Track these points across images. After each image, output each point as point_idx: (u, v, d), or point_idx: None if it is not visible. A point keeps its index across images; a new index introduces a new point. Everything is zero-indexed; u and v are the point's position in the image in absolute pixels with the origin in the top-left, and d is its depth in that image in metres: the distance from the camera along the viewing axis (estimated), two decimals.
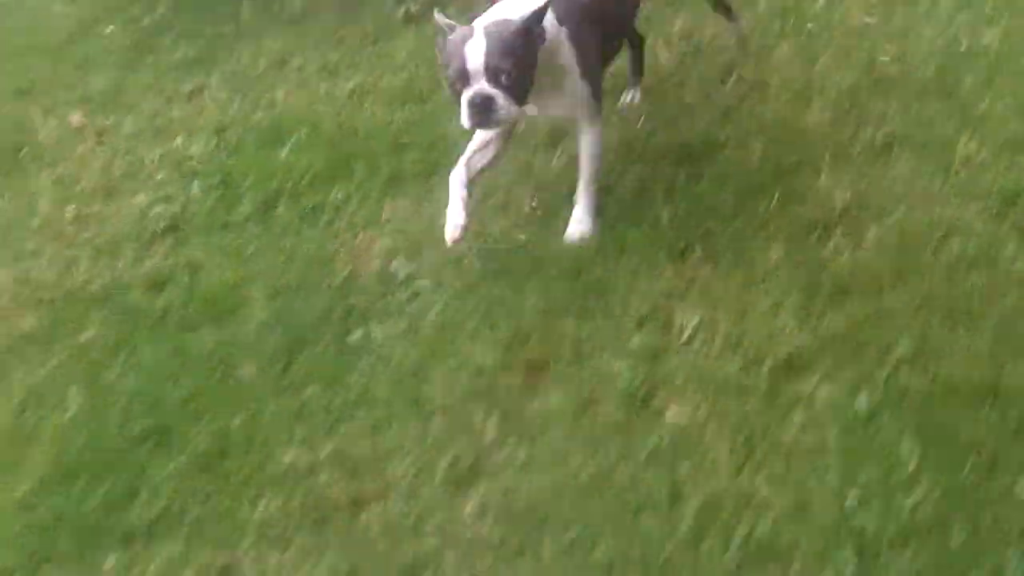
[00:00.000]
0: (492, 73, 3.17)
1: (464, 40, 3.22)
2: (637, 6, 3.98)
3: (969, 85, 3.80)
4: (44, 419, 3.34)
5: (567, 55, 3.42)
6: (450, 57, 3.25)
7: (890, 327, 2.93)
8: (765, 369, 2.89)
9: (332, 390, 3.20)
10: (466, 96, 3.21)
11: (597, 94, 3.58)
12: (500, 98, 3.20)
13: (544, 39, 3.29)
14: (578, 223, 3.53)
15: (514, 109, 3.25)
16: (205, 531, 2.85)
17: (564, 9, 3.41)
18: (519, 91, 3.25)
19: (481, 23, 3.29)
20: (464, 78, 3.21)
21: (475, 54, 3.18)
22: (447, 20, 3.34)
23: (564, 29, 3.38)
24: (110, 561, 2.85)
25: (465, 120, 3.25)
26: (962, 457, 2.53)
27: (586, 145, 3.56)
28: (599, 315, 3.24)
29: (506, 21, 3.27)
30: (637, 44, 4.22)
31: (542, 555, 2.55)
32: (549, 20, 3.30)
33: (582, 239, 3.49)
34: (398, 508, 2.79)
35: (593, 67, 3.58)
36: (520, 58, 3.22)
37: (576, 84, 3.48)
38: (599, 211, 3.52)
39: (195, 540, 2.82)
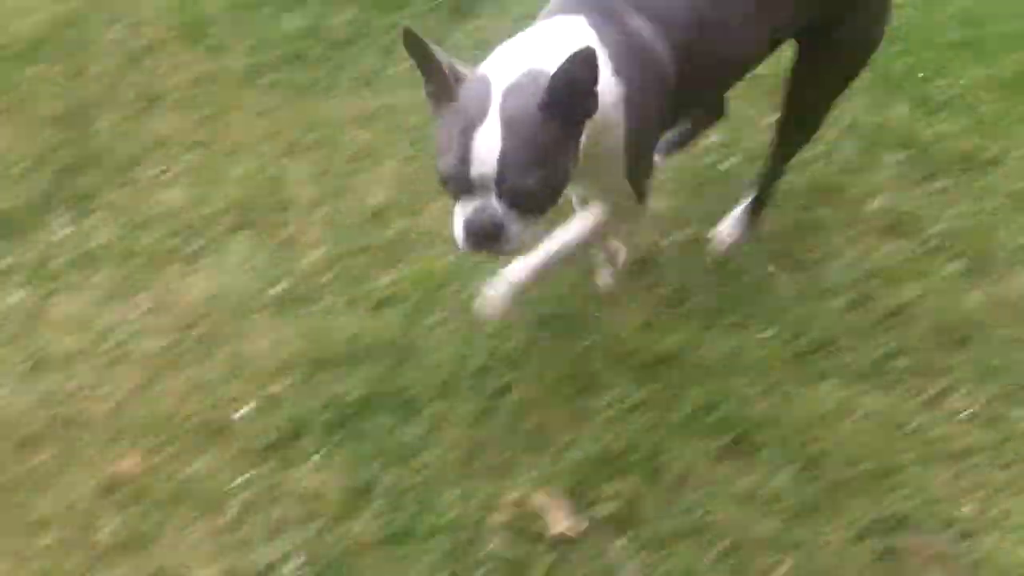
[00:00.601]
0: (509, 190, 2.06)
1: (472, 116, 2.05)
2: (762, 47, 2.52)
3: None
4: None
5: (616, 127, 2.23)
6: (445, 139, 2.09)
7: None
8: None
9: None
10: (464, 211, 2.11)
11: (646, 182, 2.44)
12: (515, 225, 2.10)
13: (595, 108, 2.10)
14: (492, 287, 2.47)
15: (532, 235, 2.18)
16: None
17: (626, 49, 2.21)
18: (545, 207, 2.14)
19: (499, 76, 2.09)
20: (463, 184, 2.09)
21: (485, 151, 2.04)
22: (453, 62, 2.12)
23: (621, 85, 2.20)
24: None
25: (459, 242, 2.15)
26: None
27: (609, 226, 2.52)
28: None
29: (538, 80, 2.05)
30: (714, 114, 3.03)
31: None
32: (602, 72, 2.07)
33: (484, 311, 2.49)
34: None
35: (649, 148, 2.44)
36: (555, 159, 2.10)
37: (618, 169, 2.33)
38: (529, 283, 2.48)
39: None
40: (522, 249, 2.23)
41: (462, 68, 2.12)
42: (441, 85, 2.10)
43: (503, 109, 2.04)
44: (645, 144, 2.39)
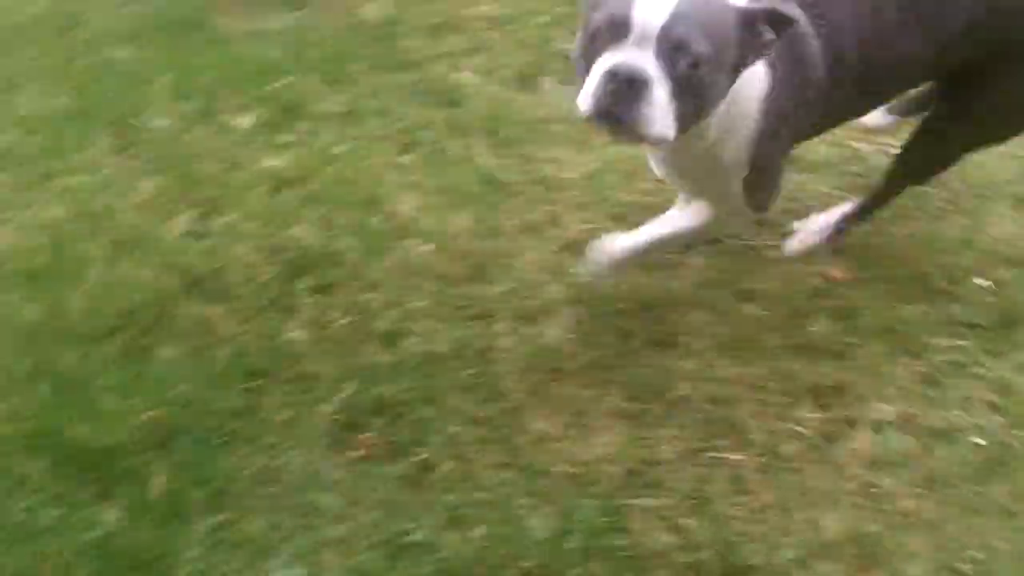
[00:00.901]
0: (675, 44, 1.87)
1: None
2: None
3: None
4: None
5: (747, 123, 2.11)
6: None
7: None
8: None
9: None
10: (607, 63, 1.88)
11: (766, 196, 2.32)
12: (662, 93, 1.88)
13: (759, 56, 1.98)
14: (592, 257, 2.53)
15: (670, 127, 1.92)
16: None
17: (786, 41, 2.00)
18: (695, 101, 1.93)
19: None
20: (619, 28, 1.88)
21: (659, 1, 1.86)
22: None
23: (768, 79, 2.07)
24: None
25: (587, 101, 1.90)
26: None
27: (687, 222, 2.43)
28: None
29: None
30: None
31: None
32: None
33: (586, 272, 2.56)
34: None
35: (775, 158, 2.27)
36: (725, 52, 1.92)
37: (735, 175, 2.22)
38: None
39: None
40: (654, 134, 1.93)
41: None
42: None
43: None
44: (773, 152, 2.22)
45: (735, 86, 2.00)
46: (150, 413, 2.37)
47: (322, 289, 2.66)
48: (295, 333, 2.57)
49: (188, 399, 2.41)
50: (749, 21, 1.93)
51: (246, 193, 2.95)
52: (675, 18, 1.86)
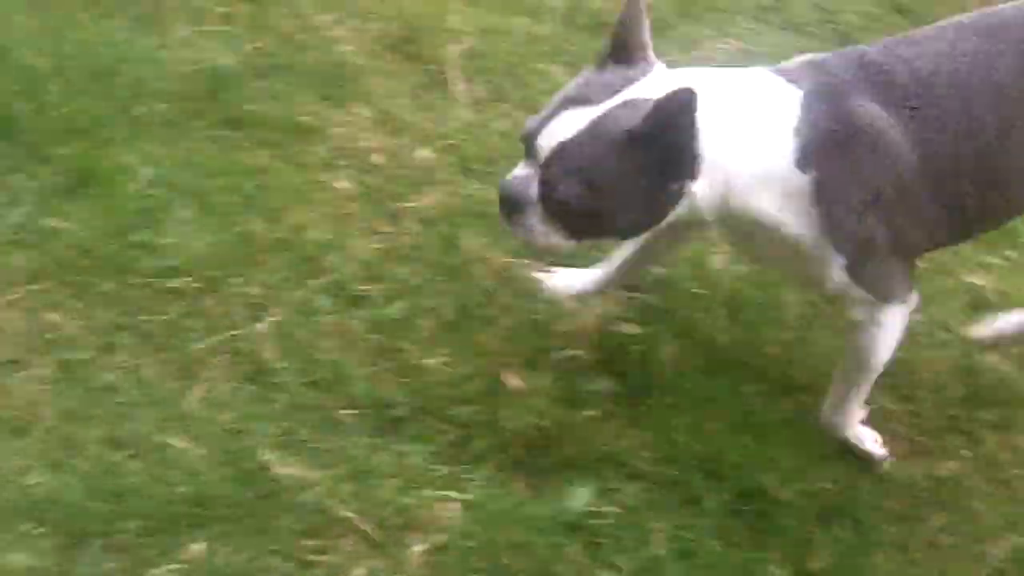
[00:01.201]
0: (545, 181, 2.01)
1: (586, 93, 2.00)
2: None
3: None
4: None
5: (790, 224, 2.10)
6: (557, 93, 2.05)
7: None
8: None
9: None
10: (514, 170, 2.08)
11: (886, 281, 2.24)
12: (533, 215, 2.03)
13: (690, 173, 2.01)
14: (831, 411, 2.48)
15: (553, 240, 2.06)
16: None
17: (831, 137, 2.08)
18: (572, 226, 2.04)
19: (650, 83, 2.00)
20: (528, 145, 2.04)
21: (558, 129, 1.98)
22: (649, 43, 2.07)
23: (807, 176, 2.06)
24: None
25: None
26: None
27: (859, 342, 2.33)
28: None
29: (634, 109, 1.94)
30: None
31: None
32: (779, 159, 2.06)
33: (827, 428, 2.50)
34: None
35: (881, 241, 2.18)
36: (611, 196, 1.98)
37: (821, 266, 2.17)
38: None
39: None
40: (538, 248, 2.17)
41: (651, 54, 2.08)
42: (615, 45, 2.06)
43: (611, 110, 1.96)
44: (875, 236, 2.14)
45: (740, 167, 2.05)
46: (824, 484, 2.51)
47: (1005, 427, 2.70)
48: (956, 463, 2.62)
49: (846, 484, 2.54)
50: (637, 146, 1.96)
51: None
52: (556, 154, 1.98)
